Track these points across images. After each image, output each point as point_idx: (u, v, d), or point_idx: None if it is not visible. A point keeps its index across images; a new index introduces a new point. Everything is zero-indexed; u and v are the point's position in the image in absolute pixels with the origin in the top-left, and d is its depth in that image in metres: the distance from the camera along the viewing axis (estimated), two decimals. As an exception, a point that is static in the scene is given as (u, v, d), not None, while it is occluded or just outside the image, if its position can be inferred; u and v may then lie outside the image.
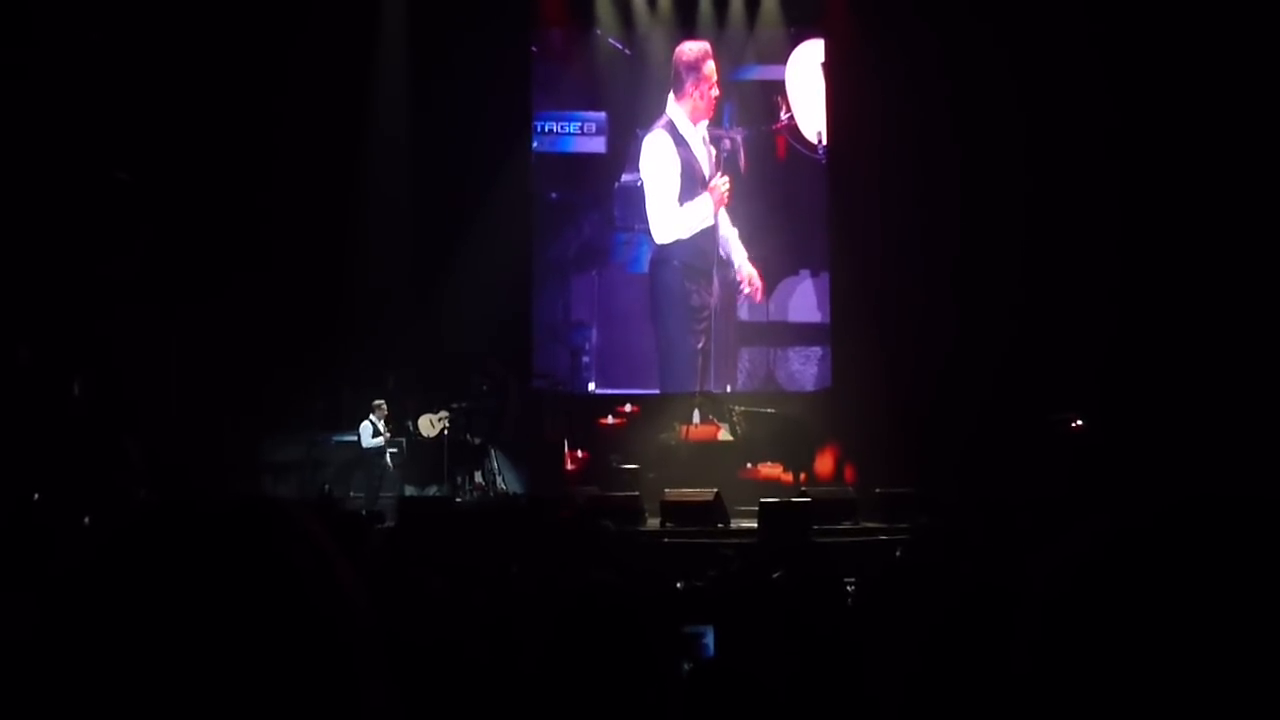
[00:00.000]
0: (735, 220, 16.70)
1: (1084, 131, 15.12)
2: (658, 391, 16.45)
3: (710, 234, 16.72)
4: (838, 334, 16.50)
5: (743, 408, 15.16)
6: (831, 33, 16.90)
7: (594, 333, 16.76)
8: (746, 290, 16.66)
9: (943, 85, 15.34)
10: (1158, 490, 0.96)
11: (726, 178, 16.69)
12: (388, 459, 14.84)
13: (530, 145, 16.83)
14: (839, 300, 16.53)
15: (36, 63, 13.36)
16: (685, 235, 16.71)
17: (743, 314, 16.81)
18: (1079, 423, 14.26)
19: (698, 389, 16.35)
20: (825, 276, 16.80)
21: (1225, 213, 14.39)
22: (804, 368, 16.81)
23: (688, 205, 16.70)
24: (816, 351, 16.80)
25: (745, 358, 16.80)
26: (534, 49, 17.03)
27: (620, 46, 16.94)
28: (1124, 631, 0.88)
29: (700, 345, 16.67)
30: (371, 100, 16.16)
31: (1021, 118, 15.13)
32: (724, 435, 15.35)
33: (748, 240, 16.63)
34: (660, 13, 16.92)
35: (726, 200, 16.65)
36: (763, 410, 15.19)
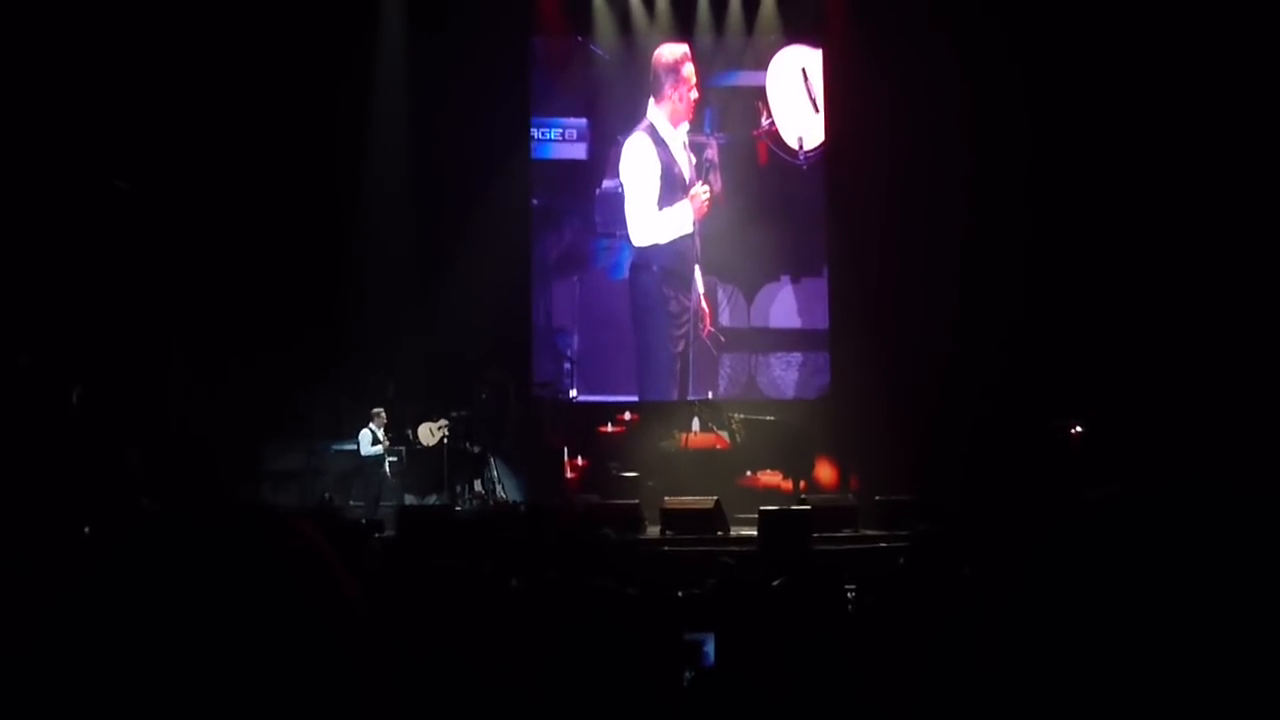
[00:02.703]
0: (715, 225, 16.71)
1: (1085, 138, 15.13)
2: (636, 398, 16.45)
3: (690, 240, 16.75)
4: (836, 340, 16.50)
5: (742, 415, 15.12)
6: (830, 40, 16.93)
7: (575, 339, 16.77)
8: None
9: (941, 91, 15.35)
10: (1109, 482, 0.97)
11: (707, 186, 16.72)
12: (386, 467, 14.82)
13: (528, 151, 16.87)
14: (837, 306, 16.54)
15: (34, 69, 13.37)
16: (663, 240, 16.76)
17: (724, 319, 16.83)
18: (1079, 430, 14.25)
19: (677, 395, 16.39)
20: (806, 282, 16.82)
21: (1227, 219, 14.40)
22: (785, 374, 16.84)
23: (667, 210, 16.75)
24: (797, 358, 16.82)
25: (726, 364, 16.82)
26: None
27: (602, 53, 16.99)
28: (1070, 625, 0.89)
29: (679, 350, 16.69)
30: (370, 107, 16.18)
31: (1021, 124, 15.15)
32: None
33: (728, 246, 16.62)
34: (658, 20, 16.96)
35: (706, 209, 16.68)
36: (762, 418, 15.16)
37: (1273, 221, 14.16)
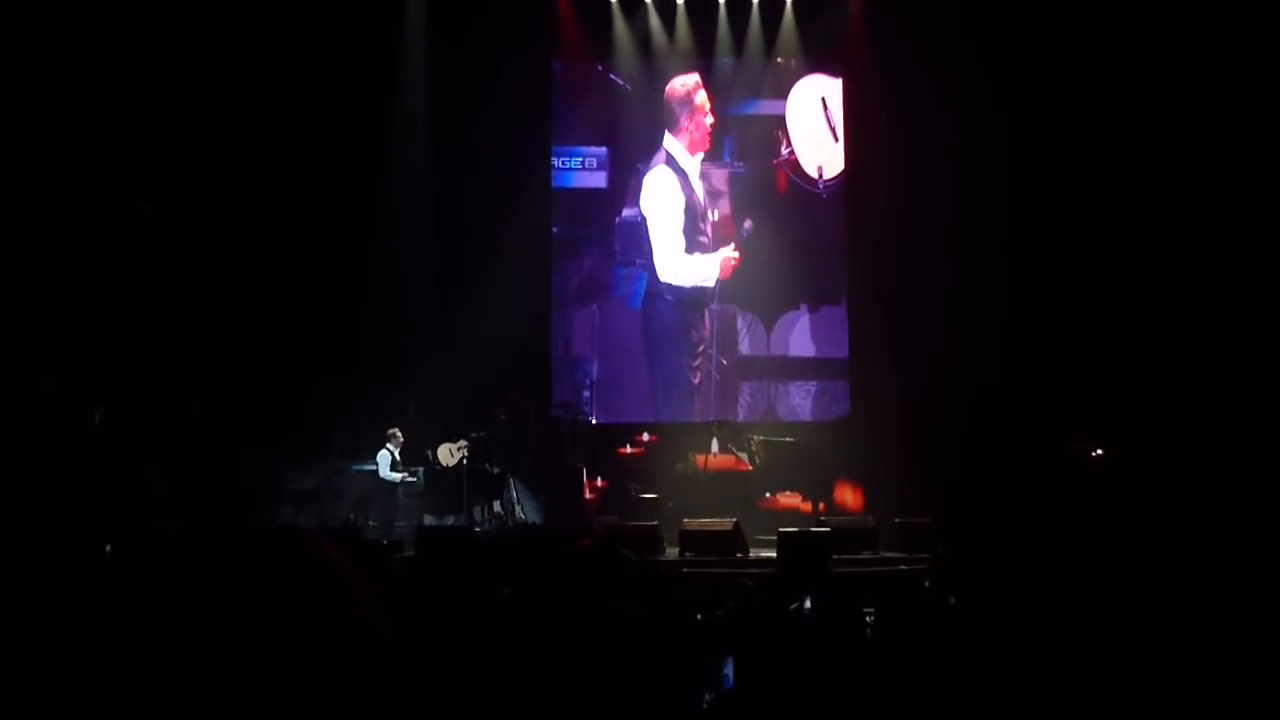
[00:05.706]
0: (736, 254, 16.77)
1: (1102, 163, 15.13)
2: (654, 423, 16.43)
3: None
4: (856, 368, 16.48)
5: (761, 437, 15.13)
6: (850, 69, 16.96)
7: (594, 367, 16.77)
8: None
9: (961, 121, 15.35)
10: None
11: (738, 253, 16.73)
12: (403, 488, 14.84)
13: (549, 180, 16.91)
14: (857, 335, 16.53)
15: (56, 90, 13.47)
16: (685, 284, 16.77)
17: (743, 348, 16.81)
18: (1099, 452, 14.19)
19: (696, 419, 16.37)
20: (825, 311, 16.81)
21: (1246, 247, 14.39)
22: (804, 402, 16.82)
23: (698, 256, 16.76)
24: (816, 386, 16.78)
25: (746, 392, 16.79)
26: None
27: (621, 82, 17.05)
28: (1093, 647, 0.89)
29: (698, 380, 16.68)
30: (394, 130, 16.26)
31: (1043, 152, 15.16)
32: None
33: (747, 275, 16.64)
34: (678, 47, 17.01)
35: (731, 271, 16.73)
36: (782, 440, 15.15)
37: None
